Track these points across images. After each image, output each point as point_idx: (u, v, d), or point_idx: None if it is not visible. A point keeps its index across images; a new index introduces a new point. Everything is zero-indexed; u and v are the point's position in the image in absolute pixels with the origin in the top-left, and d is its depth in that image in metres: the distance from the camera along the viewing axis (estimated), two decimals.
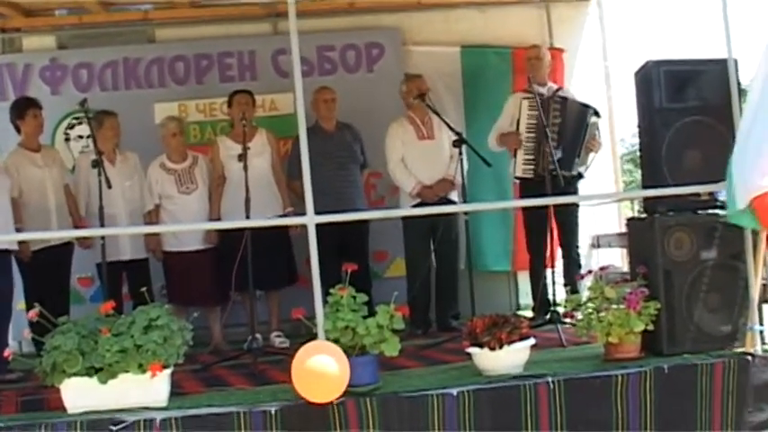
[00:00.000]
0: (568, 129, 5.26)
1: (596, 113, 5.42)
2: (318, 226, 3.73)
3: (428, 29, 6.64)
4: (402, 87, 5.74)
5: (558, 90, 5.63)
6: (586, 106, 5.43)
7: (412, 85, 5.65)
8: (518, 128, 5.39)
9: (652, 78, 4.33)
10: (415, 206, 5.47)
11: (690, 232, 4.23)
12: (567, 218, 5.56)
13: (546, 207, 5.11)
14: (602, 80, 6.75)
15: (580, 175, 5.42)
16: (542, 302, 5.44)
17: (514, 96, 5.63)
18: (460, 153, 5.20)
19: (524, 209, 5.58)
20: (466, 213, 5.16)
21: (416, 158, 5.62)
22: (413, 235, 5.57)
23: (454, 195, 5.61)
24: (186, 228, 5.43)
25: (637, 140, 4.70)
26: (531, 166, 5.32)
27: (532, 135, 5.32)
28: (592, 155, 5.50)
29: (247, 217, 4.88)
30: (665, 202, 4.30)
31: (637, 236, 4.51)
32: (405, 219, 5.54)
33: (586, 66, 6.73)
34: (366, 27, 6.60)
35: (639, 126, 4.50)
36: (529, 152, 5.34)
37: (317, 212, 3.77)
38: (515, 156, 5.37)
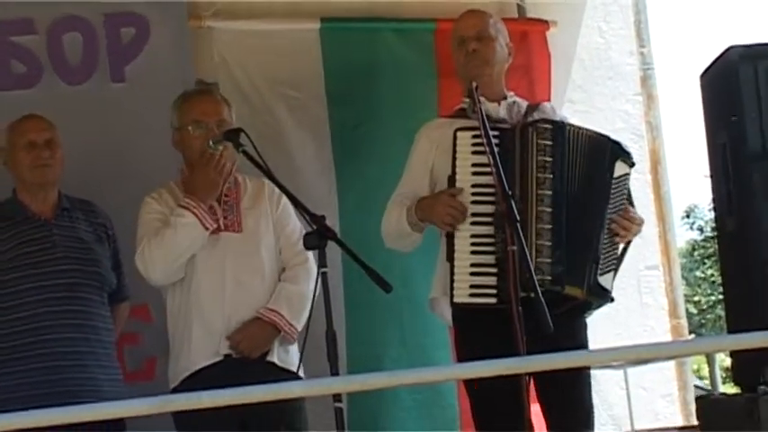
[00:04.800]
0: (574, 188, 4.62)
1: (626, 155, 4.70)
2: None
3: None
4: (173, 118, 4.99)
5: (534, 107, 4.84)
6: (605, 138, 4.73)
7: (188, 116, 4.91)
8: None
9: (741, 85, 4.39)
10: (187, 381, 4.73)
11: None
12: (568, 393, 4.62)
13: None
14: (634, 86, 6.15)
15: (604, 293, 4.66)
16: None
17: (433, 128, 4.89)
18: (323, 263, 4.33)
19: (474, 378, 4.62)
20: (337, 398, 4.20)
21: (197, 274, 4.88)
22: None
23: (291, 354, 4.85)
24: None
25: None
26: (492, 278, 4.52)
27: (484, 209, 4.53)
28: (620, 247, 4.77)
29: None
30: None
31: None
32: (177, 416, 4.56)
33: (595, 55, 6.16)
34: None
35: (715, 192, 4.67)
36: (482, 243, 4.56)
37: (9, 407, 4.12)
38: (451, 255, 4.53)
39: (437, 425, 5.72)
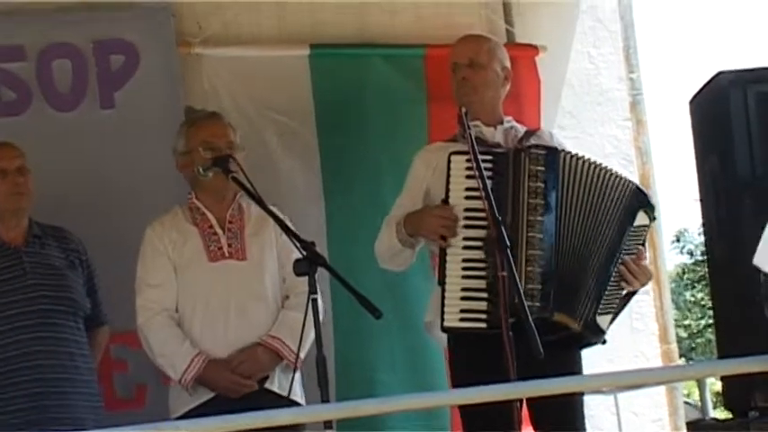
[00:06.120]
0: (573, 217, 4.59)
1: (650, 207, 4.67)
2: None
3: (236, 11, 5.79)
4: (178, 143, 4.94)
5: (531, 133, 4.80)
6: (625, 180, 4.68)
7: (197, 138, 4.89)
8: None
9: (730, 110, 4.40)
10: (195, 411, 4.69)
11: None
12: (560, 418, 4.57)
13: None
14: (624, 111, 6.16)
15: (598, 331, 4.59)
16: None
17: (431, 151, 4.86)
18: (313, 289, 4.28)
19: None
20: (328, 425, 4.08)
21: (202, 302, 4.87)
22: None
23: (293, 384, 4.75)
24: None
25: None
26: (482, 303, 4.46)
27: (477, 233, 4.51)
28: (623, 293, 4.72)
29: None
30: None
31: None
32: None
33: (585, 81, 6.18)
34: (97, 6, 5.55)
35: (705, 216, 4.69)
36: (474, 268, 4.50)
37: None
38: (442, 279, 4.47)
39: None
